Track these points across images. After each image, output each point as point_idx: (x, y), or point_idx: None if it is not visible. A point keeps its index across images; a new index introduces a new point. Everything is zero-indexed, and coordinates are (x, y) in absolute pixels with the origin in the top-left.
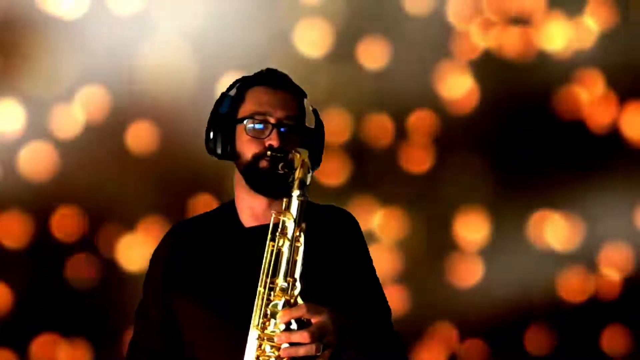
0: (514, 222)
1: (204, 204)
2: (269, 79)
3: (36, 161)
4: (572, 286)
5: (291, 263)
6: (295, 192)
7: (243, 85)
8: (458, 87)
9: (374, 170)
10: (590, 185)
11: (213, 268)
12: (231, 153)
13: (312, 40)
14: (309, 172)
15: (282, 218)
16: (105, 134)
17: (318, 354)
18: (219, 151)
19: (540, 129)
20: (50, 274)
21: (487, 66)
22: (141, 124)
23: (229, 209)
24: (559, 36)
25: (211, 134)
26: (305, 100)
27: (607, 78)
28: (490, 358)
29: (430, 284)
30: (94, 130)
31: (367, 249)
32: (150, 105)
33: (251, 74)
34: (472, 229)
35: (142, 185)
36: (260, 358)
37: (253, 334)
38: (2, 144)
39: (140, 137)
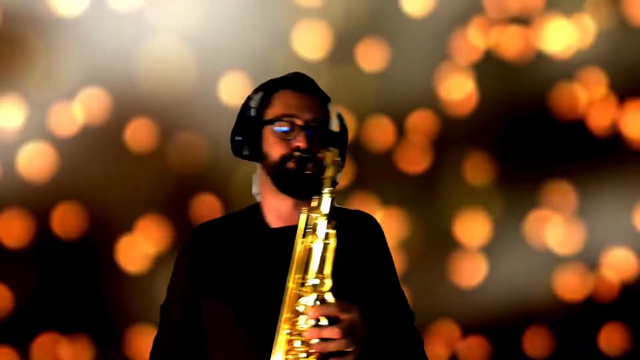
0: (514, 221)
1: (205, 203)
2: (296, 83)
3: (35, 160)
4: (571, 285)
5: (322, 260)
6: (327, 190)
7: (270, 88)
8: (457, 88)
9: (374, 171)
10: (590, 185)
11: (239, 268)
12: (258, 154)
13: (311, 41)
14: (339, 171)
15: (313, 215)
16: (104, 133)
17: (349, 350)
18: (246, 152)
19: (539, 129)
20: (50, 273)
21: (487, 67)
22: (141, 122)
23: (254, 210)
24: (558, 36)
25: (238, 136)
26: (329, 104)
27: (607, 78)
28: (492, 355)
29: (431, 282)
30: (93, 130)
31: (390, 253)
32: (150, 105)
33: (251, 74)
34: (472, 228)
35: (142, 184)
36: (290, 353)
37: (282, 329)
38: (1, 143)
39: (139, 136)
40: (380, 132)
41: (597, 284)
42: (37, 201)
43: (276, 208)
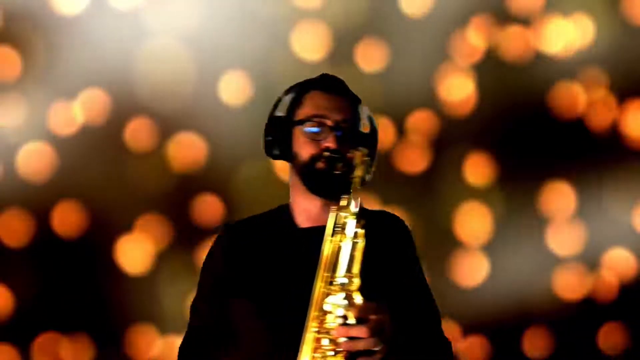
0: (514, 221)
1: (206, 203)
2: (326, 84)
3: (35, 160)
4: (571, 284)
5: (351, 259)
6: (356, 190)
7: (301, 89)
8: (457, 88)
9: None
10: (590, 185)
11: (268, 267)
12: (288, 154)
13: (311, 42)
14: (368, 171)
15: (342, 214)
16: (104, 132)
17: (376, 349)
18: (276, 152)
19: (539, 129)
20: (50, 272)
21: (486, 67)
22: (141, 122)
23: (284, 210)
24: (558, 36)
25: (269, 136)
26: (360, 106)
27: (607, 78)
28: (492, 355)
29: (431, 282)
30: (93, 129)
31: (417, 253)
32: (150, 104)
33: (251, 75)
34: (472, 228)
35: (142, 183)
36: (317, 351)
37: (310, 327)
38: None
39: (139, 135)
40: (380, 132)
41: (597, 283)
42: (37, 201)
43: (305, 208)
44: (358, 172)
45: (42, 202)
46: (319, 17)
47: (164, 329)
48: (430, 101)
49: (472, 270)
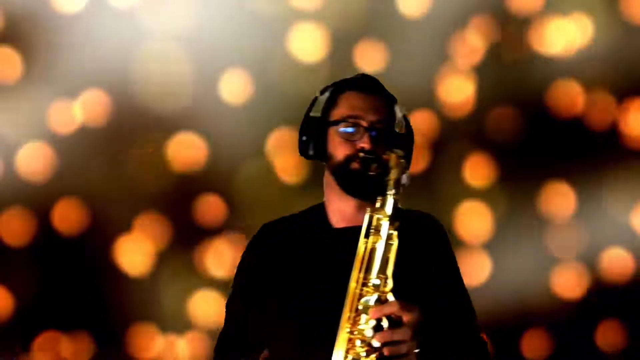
0: (514, 220)
1: (209, 204)
2: (362, 84)
3: (35, 159)
4: (569, 284)
5: (384, 260)
6: (391, 191)
7: (336, 89)
8: (456, 88)
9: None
10: (588, 183)
11: (302, 267)
12: (323, 155)
13: (309, 43)
14: (403, 172)
15: (376, 216)
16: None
17: (415, 351)
18: (311, 153)
19: (539, 128)
20: (50, 271)
21: (486, 67)
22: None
23: (318, 210)
24: (557, 36)
25: (304, 136)
26: (396, 106)
27: (606, 77)
28: (492, 355)
29: None
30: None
31: (453, 254)
32: (150, 105)
33: (251, 75)
34: (472, 228)
35: (142, 183)
36: (350, 352)
37: (344, 328)
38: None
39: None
40: None
41: (595, 280)
42: (37, 200)
43: (340, 208)
44: (393, 174)
45: (42, 201)
46: (317, 18)
47: (165, 328)
48: (430, 102)
49: (473, 270)
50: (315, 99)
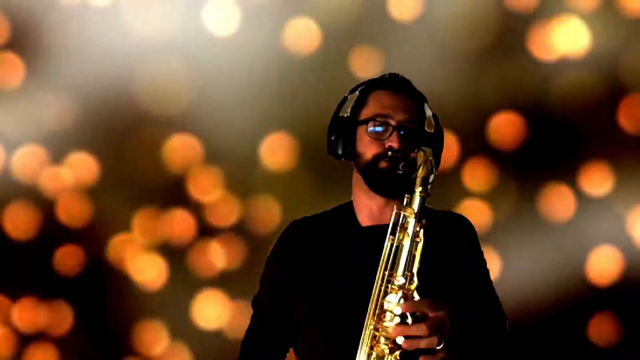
0: (513, 218)
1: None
2: (391, 83)
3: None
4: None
5: (410, 258)
6: (418, 189)
7: (365, 88)
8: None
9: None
10: (587, 183)
11: (330, 265)
12: (351, 154)
13: (303, 40)
14: (432, 171)
15: (403, 213)
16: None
17: (439, 347)
18: (339, 152)
19: (538, 129)
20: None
21: (480, 66)
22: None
23: (346, 208)
24: (556, 40)
25: (333, 136)
26: (425, 105)
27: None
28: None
29: None
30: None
31: (483, 254)
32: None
33: (251, 74)
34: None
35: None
36: (375, 349)
37: (369, 325)
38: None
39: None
40: None
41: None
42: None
43: (367, 207)
44: (421, 172)
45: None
46: (313, 18)
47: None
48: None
49: None
50: (345, 98)
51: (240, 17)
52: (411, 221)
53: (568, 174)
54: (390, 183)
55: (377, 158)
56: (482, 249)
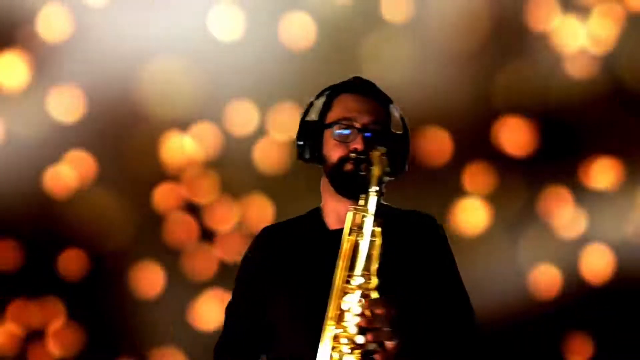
0: (511, 217)
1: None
2: (356, 87)
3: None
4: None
5: (368, 257)
6: (373, 188)
7: (331, 93)
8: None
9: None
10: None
11: (299, 269)
12: (318, 157)
13: (299, 35)
14: (385, 170)
15: (359, 213)
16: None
17: (389, 343)
18: (307, 156)
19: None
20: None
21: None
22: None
23: (315, 213)
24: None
25: (300, 140)
26: (391, 106)
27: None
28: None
29: None
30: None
31: (451, 252)
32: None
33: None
34: (469, 222)
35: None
36: (335, 350)
37: (328, 325)
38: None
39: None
40: None
41: (573, 285)
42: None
43: (335, 210)
44: (375, 171)
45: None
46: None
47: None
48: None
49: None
50: (311, 103)
51: (240, 17)
52: (367, 220)
53: (569, 175)
54: (355, 185)
55: (342, 161)
56: (481, 249)
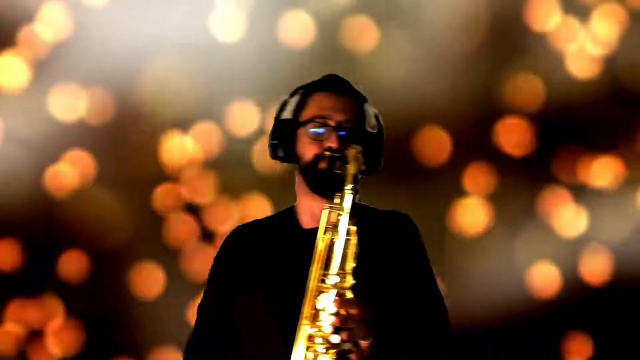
0: (511, 217)
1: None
2: (330, 85)
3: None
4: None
5: (343, 256)
6: (348, 186)
7: (305, 91)
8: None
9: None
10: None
11: (272, 268)
12: (292, 156)
13: (299, 35)
14: (361, 168)
15: (334, 212)
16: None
17: (365, 343)
18: (281, 154)
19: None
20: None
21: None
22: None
23: (289, 211)
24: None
25: (274, 139)
26: (366, 104)
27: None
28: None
29: None
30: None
31: (425, 252)
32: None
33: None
34: (467, 222)
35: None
36: (310, 349)
37: (303, 325)
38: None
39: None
40: None
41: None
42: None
43: (309, 208)
44: (350, 169)
45: None
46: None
47: None
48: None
49: (466, 263)
50: (285, 101)
51: (240, 17)
52: (342, 219)
53: (569, 175)
54: (329, 183)
55: (316, 159)
56: (481, 249)
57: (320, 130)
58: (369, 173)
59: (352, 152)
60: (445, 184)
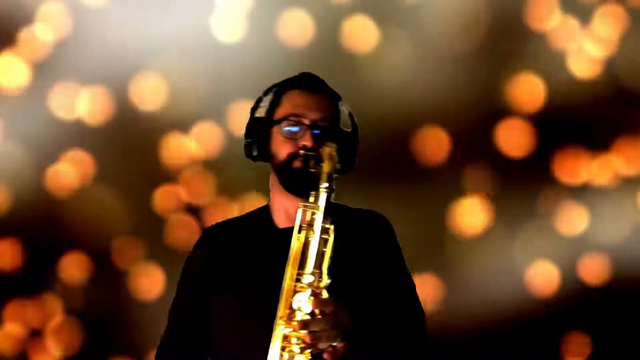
0: (511, 217)
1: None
2: (305, 83)
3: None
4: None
5: (318, 255)
6: (323, 185)
7: (279, 89)
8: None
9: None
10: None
11: (246, 268)
12: (267, 155)
13: (299, 35)
14: (336, 166)
15: (309, 210)
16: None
17: (339, 343)
18: (254, 153)
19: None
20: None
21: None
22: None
23: (263, 211)
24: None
25: (248, 137)
26: (340, 103)
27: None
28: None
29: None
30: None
31: (401, 252)
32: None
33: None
34: (466, 221)
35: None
36: (286, 349)
37: (278, 325)
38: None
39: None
40: None
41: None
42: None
43: (283, 207)
44: (325, 168)
45: None
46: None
47: None
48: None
49: (464, 264)
50: (259, 99)
51: (240, 17)
52: (318, 218)
53: (569, 175)
54: (304, 182)
55: (291, 157)
56: (481, 249)
57: (295, 128)
58: (344, 172)
59: (327, 150)
60: (445, 184)
